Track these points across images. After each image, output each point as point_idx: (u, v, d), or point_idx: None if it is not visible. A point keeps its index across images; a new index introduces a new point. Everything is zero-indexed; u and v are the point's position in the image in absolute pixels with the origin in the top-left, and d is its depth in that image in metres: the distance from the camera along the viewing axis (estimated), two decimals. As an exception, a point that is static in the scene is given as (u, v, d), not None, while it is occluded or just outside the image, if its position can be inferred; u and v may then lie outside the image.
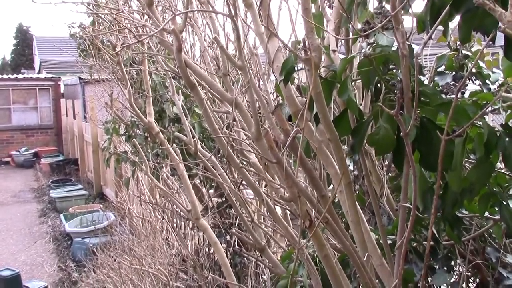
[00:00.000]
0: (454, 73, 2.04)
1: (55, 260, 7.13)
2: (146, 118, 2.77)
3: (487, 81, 2.05)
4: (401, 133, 1.19)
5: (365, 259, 1.48)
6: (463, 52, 2.06)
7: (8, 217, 9.65)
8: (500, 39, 1.25)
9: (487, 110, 1.37)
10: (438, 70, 2.06)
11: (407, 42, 1.22)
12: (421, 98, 1.24)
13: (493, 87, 2.08)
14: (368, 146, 1.57)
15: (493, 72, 2.09)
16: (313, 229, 1.39)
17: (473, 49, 2.12)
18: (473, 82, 2.09)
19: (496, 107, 1.88)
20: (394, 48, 1.29)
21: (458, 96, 1.21)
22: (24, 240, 8.21)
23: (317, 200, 1.48)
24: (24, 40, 33.79)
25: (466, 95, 1.92)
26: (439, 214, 1.39)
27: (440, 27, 1.40)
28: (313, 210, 1.47)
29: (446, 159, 1.21)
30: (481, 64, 2.08)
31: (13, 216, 9.76)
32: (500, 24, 0.85)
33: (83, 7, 3.15)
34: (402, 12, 1.26)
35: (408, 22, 1.36)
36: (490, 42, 1.25)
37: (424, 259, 1.36)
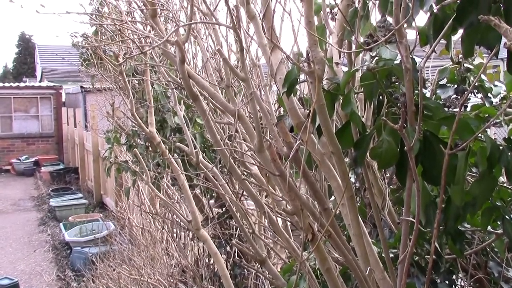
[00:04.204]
0: (456, 86, 2.04)
1: (54, 269, 7.10)
2: (147, 128, 2.78)
3: (489, 95, 2.05)
4: (405, 147, 1.19)
5: (367, 272, 1.47)
6: (465, 65, 2.06)
7: (7, 226, 9.62)
8: (502, 52, 1.25)
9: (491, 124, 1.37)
10: (440, 83, 2.07)
11: (411, 56, 1.22)
12: (424, 112, 1.24)
13: (495, 100, 2.08)
14: (371, 159, 1.57)
15: (495, 86, 2.09)
16: (316, 242, 1.38)
17: (475, 62, 2.12)
18: (474, 95, 2.09)
19: (498, 120, 1.88)
20: (397, 62, 1.29)
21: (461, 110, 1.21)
22: (23, 248, 8.18)
23: (320, 213, 1.48)
24: (26, 48, 33.94)
25: (468, 108, 1.92)
26: (441, 228, 1.39)
27: (443, 40, 1.40)
28: (316, 223, 1.47)
29: (449, 173, 1.21)
30: (483, 77, 2.08)
31: (12, 225, 9.73)
32: (505, 40, 0.85)
33: (86, 17, 3.17)
34: (406, 25, 1.26)
35: (411, 35, 1.37)
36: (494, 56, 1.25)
37: (427, 273, 1.35)
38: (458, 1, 1.24)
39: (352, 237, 1.49)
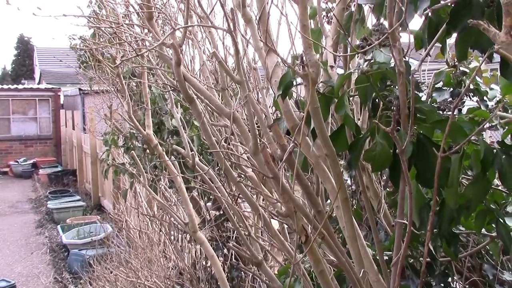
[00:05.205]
0: (452, 89, 2.05)
1: (51, 271, 7.08)
2: (144, 130, 2.78)
3: (485, 98, 2.06)
4: (397, 150, 1.20)
5: (361, 275, 1.47)
6: (461, 68, 2.07)
7: (5, 228, 9.61)
8: (497, 55, 1.25)
9: (484, 127, 1.37)
10: (436, 86, 2.07)
11: (404, 59, 1.23)
12: (418, 115, 1.25)
13: (491, 103, 2.09)
14: (365, 162, 1.58)
15: (491, 89, 2.10)
16: (309, 244, 1.39)
17: (471, 66, 2.13)
18: (470, 98, 2.10)
19: (494, 123, 1.89)
20: (391, 65, 1.29)
21: (455, 113, 1.22)
22: (20, 251, 8.17)
23: (314, 216, 1.48)
24: (25, 50, 33.94)
25: (464, 110, 1.93)
26: (435, 230, 1.39)
27: (438, 44, 1.41)
28: (309, 225, 1.47)
29: (443, 175, 1.22)
30: (479, 80, 2.08)
31: (10, 227, 9.72)
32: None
33: (83, 19, 3.17)
34: (400, 29, 1.27)
35: (406, 38, 1.37)
36: (487, 60, 1.26)
37: (421, 276, 1.36)
38: (452, 5, 1.25)
39: (347, 239, 1.50)
